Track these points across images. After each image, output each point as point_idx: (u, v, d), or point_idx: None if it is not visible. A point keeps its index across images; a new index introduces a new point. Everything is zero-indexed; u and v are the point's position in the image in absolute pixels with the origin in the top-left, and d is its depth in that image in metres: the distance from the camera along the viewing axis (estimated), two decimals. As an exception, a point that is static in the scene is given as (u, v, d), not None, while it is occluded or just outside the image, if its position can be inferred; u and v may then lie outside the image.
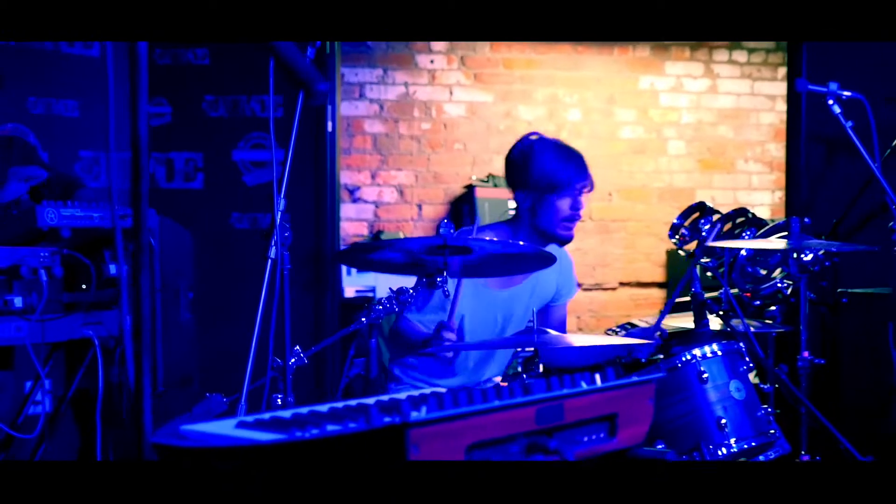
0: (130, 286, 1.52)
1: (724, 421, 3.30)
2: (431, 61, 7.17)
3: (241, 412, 3.00)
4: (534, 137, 3.91)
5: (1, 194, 4.16)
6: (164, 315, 4.44)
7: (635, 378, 1.90)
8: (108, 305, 4.05)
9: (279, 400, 3.24)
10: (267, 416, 1.74)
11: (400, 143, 7.11)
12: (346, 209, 6.98)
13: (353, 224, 6.98)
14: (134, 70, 1.51)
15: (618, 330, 4.23)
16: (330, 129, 6.28)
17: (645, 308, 7.32)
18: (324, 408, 1.79)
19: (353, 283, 6.29)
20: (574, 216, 3.78)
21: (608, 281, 7.41)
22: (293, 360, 3.25)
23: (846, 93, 4.02)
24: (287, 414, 1.74)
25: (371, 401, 1.82)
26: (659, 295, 7.41)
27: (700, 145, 7.62)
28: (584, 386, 1.82)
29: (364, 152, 7.10)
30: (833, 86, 4.02)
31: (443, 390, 1.99)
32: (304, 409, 1.77)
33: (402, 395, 1.93)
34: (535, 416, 1.69)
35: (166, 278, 4.43)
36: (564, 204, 3.76)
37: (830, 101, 4.00)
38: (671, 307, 3.71)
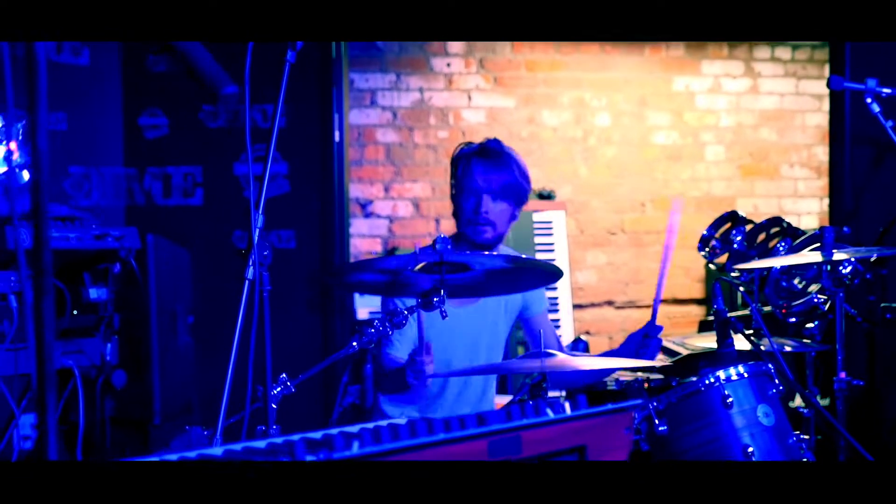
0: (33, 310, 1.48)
1: (751, 449, 3.25)
2: (448, 65, 7.13)
3: (217, 445, 2.99)
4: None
5: None
6: (160, 340, 4.41)
7: (610, 406, 1.85)
8: (90, 332, 4.03)
9: (263, 431, 3.22)
10: (193, 454, 1.71)
11: (415, 153, 7.08)
12: (358, 225, 6.95)
13: (365, 241, 6.94)
14: (32, 75, 1.46)
15: None
16: (337, 138, 6.26)
17: (682, 327, 7.22)
18: (261, 443, 1.76)
19: (365, 304, 6.25)
20: (476, 219, 3.85)
21: (642, 298, 7.33)
22: (279, 388, 3.23)
23: (886, 90, 3.95)
24: (218, 451, 1.71)
25: (308, 435, 1.78)
26: (698, 312, 7.31)
27: (741, 150, 7.53)
28: (550, 415, 1.77)
29: (376, 163, 7.06)
30: (871, 83, 3.96)
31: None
32: (238, 446, 1.74)
33: (354, 429, 1.89)
34: (488, 449, 1.65)
35: (162, 301, 4.41)
36: (467, 203, 3.86)
37: (869, 99, 3.95)
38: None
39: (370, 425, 1.92)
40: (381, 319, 3.40)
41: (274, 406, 3.22)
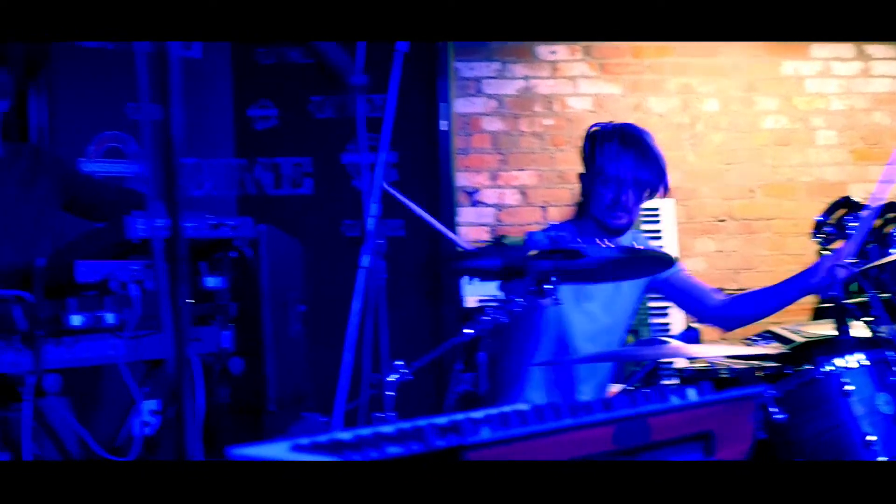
0: (170, 300, 1.52)
1: (870, 438, 3.20)
2: (553, 52, 7.12)
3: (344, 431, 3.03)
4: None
5: None
6: (274, 329, 4.47)
7: (735, 392, 1.84)
8: (207, 321, 4.09)
9: (380, 418, 3.25)
10: (324, 438, 1.72)
11: (521, 141, 7.08)
12: (466, 213, 6.98)
13: (473, 229, 6.96)
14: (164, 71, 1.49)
15: (756, 339, 4.16)
16: (444, 127, 6.29)
17: (795, 314, 7.10)
18: (390, 429, 1.77)
19: (474, 292, 6.27)
20: (615, 207, 3.87)
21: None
22: (395, 375, 3.26)
23: None
24: (348, 436, 1.73)
25: (438, 421, 1.79)
26: (811, 299, 7.20)
27: (853, 134, 7.40)
28: (676, 401, 1.77)
29: (483, 152, 7.08)
30: None
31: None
32: (368, 431, 1.75)
33: (479, 414, 1.90)
34: (614, 434, 1.65)
35: (275, 290, 4.47)
36: (608, 191, 3.86)
37: None
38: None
39: (495, 411, 1.93)
40: (494, 307, 3.41)
41: (391, 393, 3.25)
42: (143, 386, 4.06)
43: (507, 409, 1.93)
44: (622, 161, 3.86)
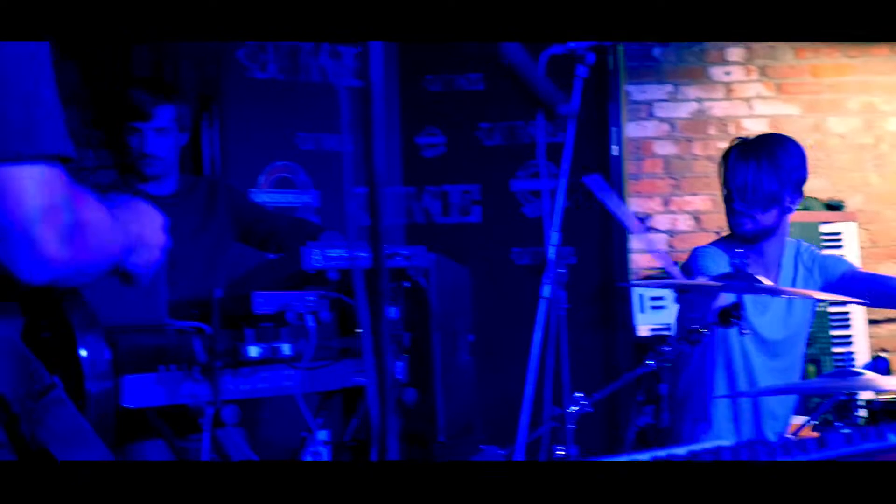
0: (373, 331, 1.53)
1: None
2: (727, 73, 7.00)
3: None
4: None
5: None
6: (442, 359, 4.47)
7: None
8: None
9: (560, 451, 3.23)
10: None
11: (695, 165, 6.96)
12: (637, 240, 6.89)
13: (644, 256, 6.88)
14: (367, 98, 1.49)
15: None
16: (615, 152, 6.25)
17: None
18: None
19: (647, 321, 6.19)
20: (735, 213, 3.98)
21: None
22: (575, 407, 3.23)
23: None
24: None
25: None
26: None
27: None
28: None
29: (654, 177, 6.99)
30: None
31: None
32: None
33: (681, 451, 1.87)
34: None
35: (444, 320, 4.47)
36: (729, 199, 4.00)
37: None
38: None
39: (698, 447, 1.89)
40: (675, 337, 3.37)
41: (572, 426, 3.22)
42: (317, 416, 4.10)
43: (709, 445, 1.89)
44: (738, 169, 3.95)
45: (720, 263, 3.94)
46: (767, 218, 3.91)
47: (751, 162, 3.89)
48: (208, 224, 4.52)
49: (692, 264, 4.04)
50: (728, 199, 3.99)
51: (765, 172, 3.86)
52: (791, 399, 3.99)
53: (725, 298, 3.60)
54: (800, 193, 3.96)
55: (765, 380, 3.86)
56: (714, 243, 4.18)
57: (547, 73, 2.95)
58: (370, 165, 1.51)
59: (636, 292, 6.16)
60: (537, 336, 3.09)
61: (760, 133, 4.04)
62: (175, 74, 5.49)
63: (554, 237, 3.15)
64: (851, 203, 6.82)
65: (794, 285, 4.01)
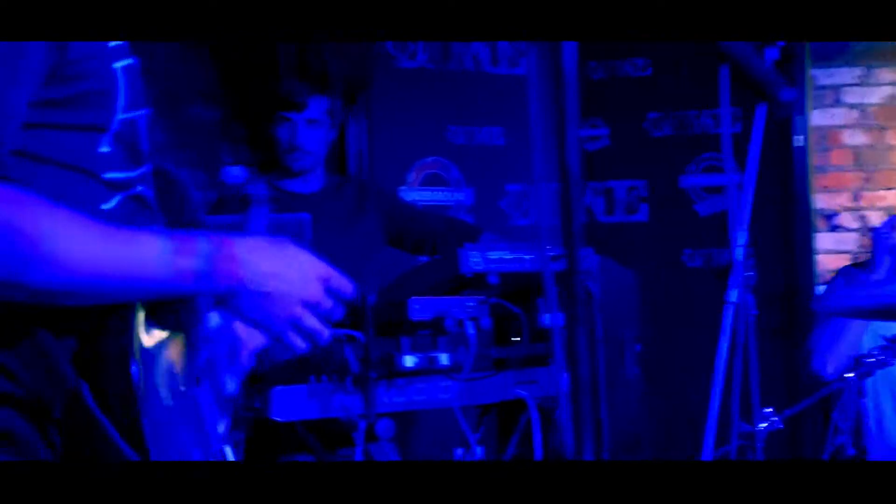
0: (566, 339, 1.55)
1: None
2: None
3: None
4: None
5: None
6: (607, 371, 4.47)
7: None
8: (543, 361, 4.10)
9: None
10: None
11: (889, 156, 6.81)
12: (823, 239, 6.77)
13: (831, 258, 6.76)
14: (560, 88, 1.50)
15: None
16: (800, 143, 6.18)
17: None
18: None
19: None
20: None
21: None
22: (764, 423, 3.21)
23: None
24: None
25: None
26: None
27: None
28: None
29: (843, 169, 6.84)
30: None
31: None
32: None
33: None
34: None
35: (609, 328, 4.47)
36: None
37: None
38: None
39: None
40: (881, 347, 3.33)
41: (760, 444, 3.21)
42: (475, 431, 4.13)
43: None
44: None
45: None
46: None
47: None
48: (356, 225, 4.60)
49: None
50: None
51: None
52: None
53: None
54: None
55: None
56: None
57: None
58: (563, 162, 1.52)
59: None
60: (724, 345, 3.07)
61: None
62: (322, 65, 5.57)
63: (741, 237, 3.12)
64: None
65: None
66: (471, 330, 3.89)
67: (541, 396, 4.10)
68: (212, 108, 6.04)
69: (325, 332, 2.07)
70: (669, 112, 6.36)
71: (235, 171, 3.26)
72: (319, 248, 4.21)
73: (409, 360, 3.78)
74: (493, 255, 4.01)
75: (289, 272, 2.01)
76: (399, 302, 3.89)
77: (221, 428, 2.15)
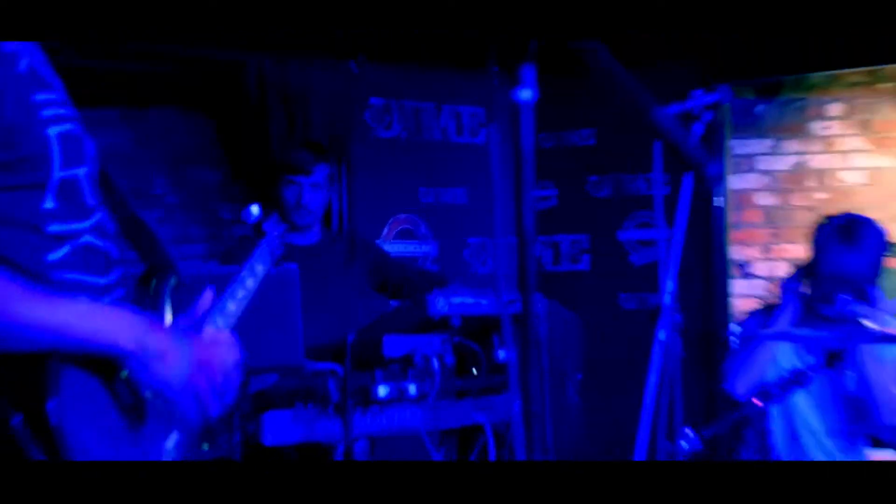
0: (519, 372, 1.56)
1: None
2: (826, 128, 6.88)
3: None
4: None
5: None
6: (552, 399, 4.47)
7: None
8: (498, 390, 4.15)
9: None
10: None
11: (794, 216, 6.83)
12: (738, 285, 6.81)
13: (743, 301, 6.79)
14: (519, 156, 1.52)
15: None
16: (720, 203, 6.23)
17: None
18: None
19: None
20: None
21: None
22: (685, 443, 3.23)
23: None
24: None
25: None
26: None
27: None
28: None
29: (755, 226, 6.88)
30: None
31: None
32: None
33: None
34: None
35: (554, 361, 4.48)
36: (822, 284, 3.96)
37: None
38: None
39: None
40: (784, 379, 3.36)
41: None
42: (438, 451, 4.13)
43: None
44: (831, 256, 3.95)
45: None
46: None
47: (854, 254, 3.88)
48: (347, 273, 4.65)
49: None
50: (820, 283, 3.93)
51: (862, 267, 3.83)
52: None
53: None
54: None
55: None
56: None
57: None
58: (520, 219, 1.53)
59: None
60: (653, 376, 3.08)
61: (846, 215, 3.95)
62: (307, 133, 5.62)
63: (669, 285, 3.14)
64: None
65: None
66: (436, 364, 3.90)
67: (496, 421, 4.11)
68: (213, 170, 6.06)
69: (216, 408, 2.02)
70: (609, 176, 6.39)
71: (254, 210, 3.28)
72: (317, 291, 4.21)
73: (383, 390, 3.77)
74: (456, 300, 4.03)
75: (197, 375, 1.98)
76: (375, 340, 3.91)
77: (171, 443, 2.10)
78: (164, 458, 2.08)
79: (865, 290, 3.72)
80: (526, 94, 1.56)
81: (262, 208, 3.48)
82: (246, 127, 5.82)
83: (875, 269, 3.88)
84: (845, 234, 3.87)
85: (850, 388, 3.91)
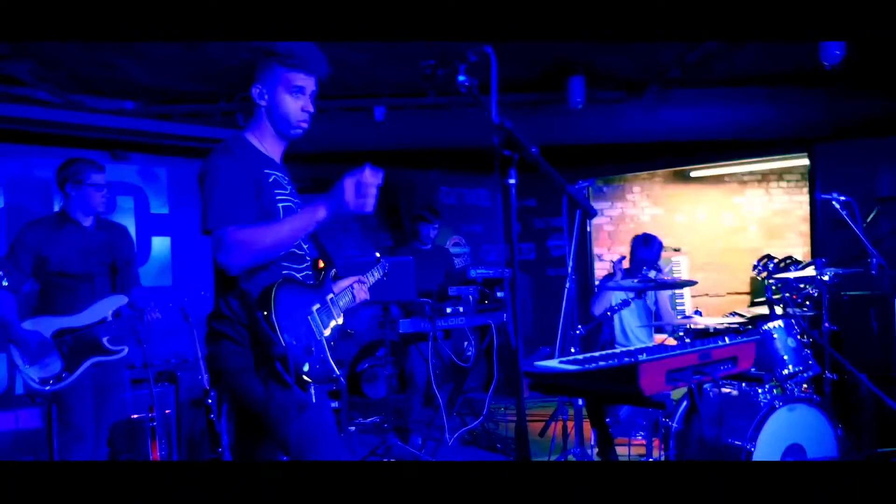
0: (508, 302, 1.45)
1: (785, 357, 2.88)
2: (632, 196, 6.40)
3: (557, 356, 2.84)
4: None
5: None
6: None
7: (746, 339, 1.70)
8: (497, 309, 3.87)
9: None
10: (570, 358, 1.65)
11: (620, 234, 6.32)
12: (597, 265, 6.17)
13: (600, 272, 6.27)
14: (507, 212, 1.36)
15: (730, 314, 3.78)
16: (590, 227, 6.02)
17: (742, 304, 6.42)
18: (597, 354, 1.68)
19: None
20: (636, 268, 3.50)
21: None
22: (579, 330, 3.04)
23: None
24: (580, 357, 1.68)
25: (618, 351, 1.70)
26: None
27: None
28: (727, 341, 1.64)
29: (603, 238, 6.31)
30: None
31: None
32: (590, 355, 1.66)
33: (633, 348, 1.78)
34: (699, 356, 1.53)
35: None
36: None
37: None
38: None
39: (632, 348, 1.77)
40: (619, 302, 3.25)
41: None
42: (470, 340, 3.91)
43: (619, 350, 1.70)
44: (638, 250, 3.63)
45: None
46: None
47: (643, 250, 3.66)
48: (437, 262, 4.22)
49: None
50: (633, 261, 3.69)
51: (649, 254, 3.67)
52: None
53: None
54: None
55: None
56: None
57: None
58: (510, 236, 1.37)
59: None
60: (564, 305, 2.89)
61: (644, 234, 3.76)
62: (419, 203, 5.33)
63: (569, 264, 2.96)
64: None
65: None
66: (471, 298, 3.71)
67: (497, 323, 3.81)
68: (373, 217, 5.88)
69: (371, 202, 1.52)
70: (543, 218, 5.96)
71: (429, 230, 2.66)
72: (424, 269, 3.80)
73: (449, 309, 3.60)
74: (480, 270, 3.82)
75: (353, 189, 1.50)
76: (445, 288, 3.71)
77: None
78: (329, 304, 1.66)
79: (652, 267, 3.60)
80: (511, 181, 1.38)
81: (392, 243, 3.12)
82: (389, 199, 5.56)
83: (656, 258, 3.78)
84: (644, 241, 3.79)
85: (649, 306, 3.82)
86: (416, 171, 5.46)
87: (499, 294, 3.89)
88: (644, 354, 1.47)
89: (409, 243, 4.26)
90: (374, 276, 1.95)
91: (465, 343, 3.97)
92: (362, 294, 1.79)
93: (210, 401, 2.75)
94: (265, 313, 1.46)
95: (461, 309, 3.71)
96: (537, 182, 1.72)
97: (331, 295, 1.70)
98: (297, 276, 1.64)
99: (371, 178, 1.48)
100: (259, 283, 1.53)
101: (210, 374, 1.55)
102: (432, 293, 3.64)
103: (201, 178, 1.54)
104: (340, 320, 1.68)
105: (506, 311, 3.92)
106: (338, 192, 1.48)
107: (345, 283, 1.79)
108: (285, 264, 1.62)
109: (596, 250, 6.38)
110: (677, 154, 5.43)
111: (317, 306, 1.62)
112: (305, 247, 1.70)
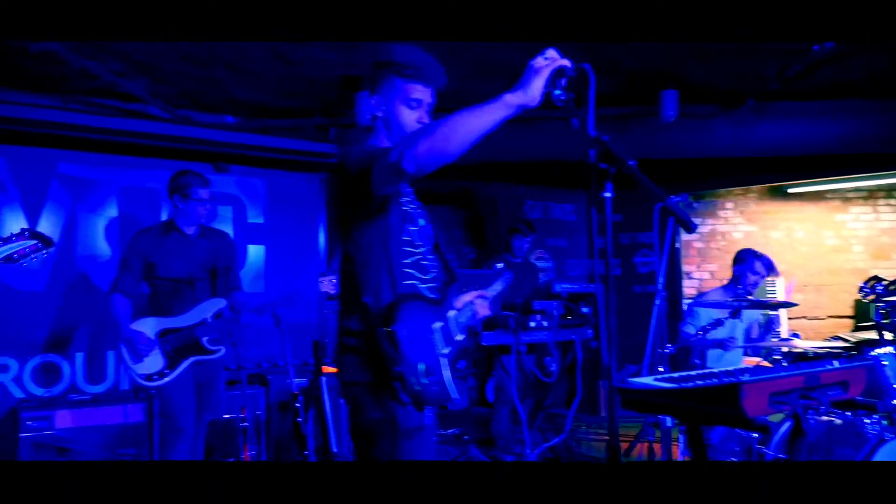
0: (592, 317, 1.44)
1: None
2: (724, 213, 6.15)
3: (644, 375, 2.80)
4: None
5: None
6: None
7: (856, 363, 1.61)
8: (581, 325, 3.80)
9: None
10: (666, 376, 1.53)
11: (712, 252, 6.09)
12: (685, 283, 6.11)
13: (689, 290, 6.19)
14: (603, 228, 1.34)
15: (831, 338, 3.55)
16: (678, 243, 5.80)
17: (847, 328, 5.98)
18: (694, 374, 1.56)
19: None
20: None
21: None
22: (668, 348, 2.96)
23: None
24: (675, 375, 1.58)
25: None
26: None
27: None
28: (836, 365, 1.56)
29: (692, 255, 6.11)
30: None
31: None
32: (687, 373, 1.55)
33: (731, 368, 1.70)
34: (804, 380, 1.44)
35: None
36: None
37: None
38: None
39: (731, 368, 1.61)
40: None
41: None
42: (553, 356, 3.97)
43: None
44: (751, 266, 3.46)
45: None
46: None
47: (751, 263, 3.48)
48: (526, 275, 4.22)
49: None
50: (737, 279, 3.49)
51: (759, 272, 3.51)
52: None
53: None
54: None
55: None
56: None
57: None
58: (606, 251, 1.35)
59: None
60: (653, 322, 2.83)
61: (750, 250, 3.59)
62: (504, 218, 5.24)
63: (660, 280, 2.89)
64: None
65: None
66: (555, 313, 3.65)
67: (583, 339, 3.76)
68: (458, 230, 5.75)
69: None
70: (628, 234, 5.79)
71: (499, 264, 2.67)
72: (518, 280, 3.67)
73: (533, 323, 3.56)
74: (565, 285, 3.79)
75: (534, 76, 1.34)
76: (529, 301, 3.65)
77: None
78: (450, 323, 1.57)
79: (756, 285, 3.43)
80: (608, 194, 1.34)
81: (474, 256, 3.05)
82: (474, 217, 5.58)
83: (766, 275, 3.51)
84: (756, 255, 3.57)
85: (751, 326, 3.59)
86: (500, 185, 5.42)
87: (583, 309, 3.84)
88: (747, 375, 1.42)
89: (499, 255, 4.25)
90: (496, 289, 1.86)
91: (547, 358, 3.94)
92: (484, 310, 1.71)
93: (298, 404, 2.80)
94: (386, 330, 1.40)
95: (545, 323, 3.66)
96: (624, 197, 1.68)
97: (453, 312, 1.61)
98: (421, 286, 1.55)
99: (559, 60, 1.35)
100: (381, 297, 1.47)
101: (339, 385, 1.51)
102: (517, 306, 3.59)
103: (345, 158, 1.46)
104: (460, 337, 1.61)
105: (590, 327, 3.85)
106: (527, 78, 1.34)
107: (467, 297, 1.70)
108: (409, 272, 1.53)
109: (685, 267, 6.14)
110: (774, 169, 5.19)
111: (439, 324, 1.53)
112: (430, 257, 1.62)
